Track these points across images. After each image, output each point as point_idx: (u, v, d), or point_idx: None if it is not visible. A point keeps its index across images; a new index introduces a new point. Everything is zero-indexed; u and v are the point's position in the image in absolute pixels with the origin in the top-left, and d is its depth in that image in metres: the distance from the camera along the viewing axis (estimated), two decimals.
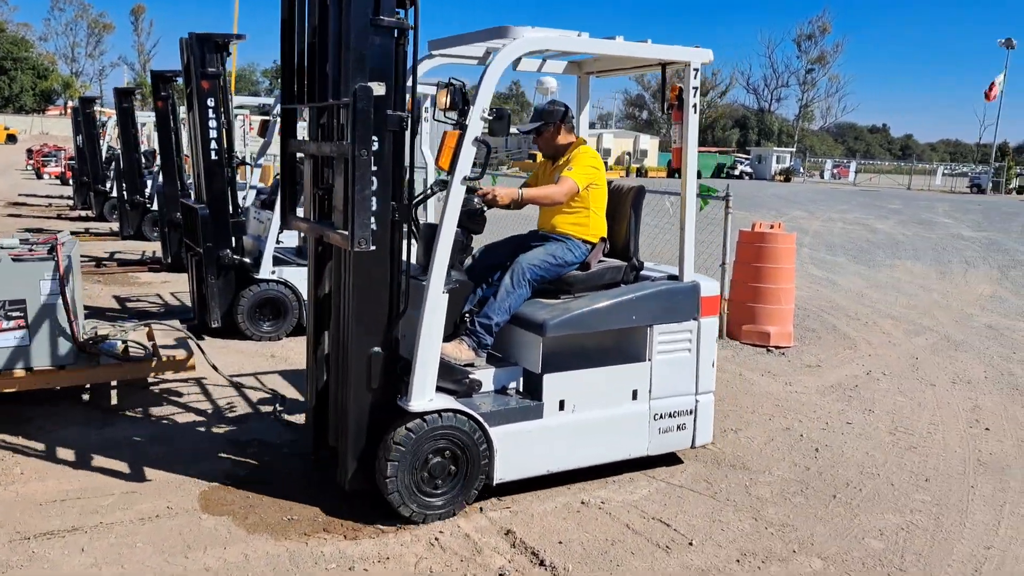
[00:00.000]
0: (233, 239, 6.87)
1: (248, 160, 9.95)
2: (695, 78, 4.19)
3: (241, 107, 16.28)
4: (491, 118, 3.68)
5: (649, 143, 59.96)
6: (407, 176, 3.70)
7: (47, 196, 19.98)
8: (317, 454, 4.30)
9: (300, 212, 4.18)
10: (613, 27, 41.24)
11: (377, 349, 3.74)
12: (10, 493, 3.96)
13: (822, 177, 59.63)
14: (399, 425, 3.70)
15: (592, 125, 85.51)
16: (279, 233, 6.98)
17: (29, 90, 73.96)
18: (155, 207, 12.56)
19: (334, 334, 3.93)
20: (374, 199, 3.55)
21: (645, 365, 4.31)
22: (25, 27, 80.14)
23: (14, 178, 26.26)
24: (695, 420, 4.46)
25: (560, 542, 3.71)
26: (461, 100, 3.69)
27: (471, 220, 4.09)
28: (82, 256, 10.81)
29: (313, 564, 3.43)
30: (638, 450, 4.34)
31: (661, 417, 4.36)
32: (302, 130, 4.41)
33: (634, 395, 4.29)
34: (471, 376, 4.00)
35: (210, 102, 6.58)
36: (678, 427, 4.43)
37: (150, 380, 5.66)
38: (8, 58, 72.01)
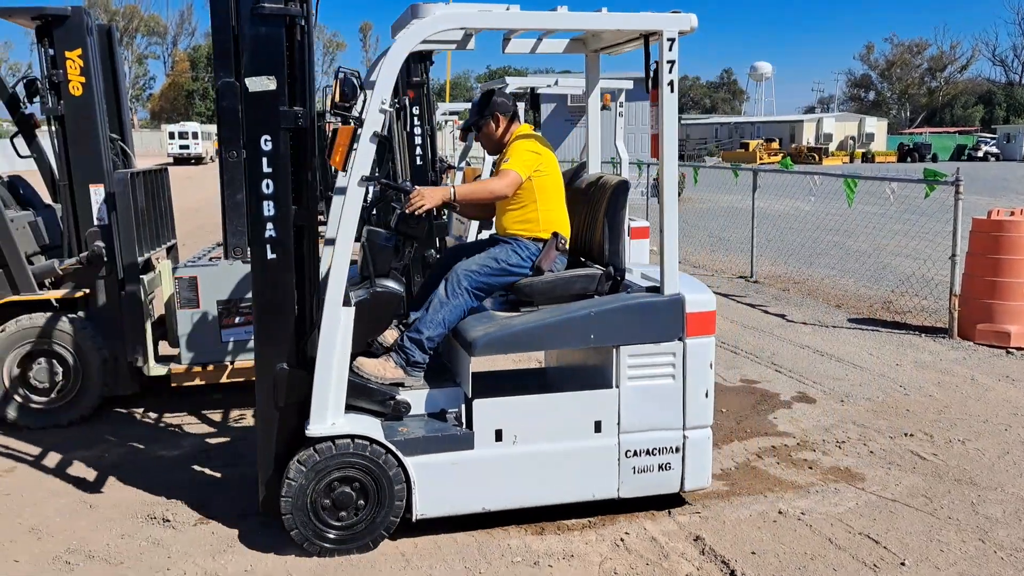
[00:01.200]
0: (437, 240, 7.19)
1: (453, 164, 10.38)
2: (670, 50, 3.54)
3: (453, 113, 17.00)
4: (390, 110, 3.30)
5: (876, 126, 55.80)
6: (312, 177, 3.43)
7: None
8: None
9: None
10: None
11: (283, 366, 3.45)
12: (237, 473, 4.38)
13: None
14: (301, 450, 3.43)
15: (812, 109, 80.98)
16: (478, 234, 7.21)
17: None
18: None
19: None
20: (270, 203, 3.31)
21: (611, 392, 3.69)
22: None
23: None
24: (684, 460, 3.78)
25: (753, 552, 3.52)
26: (352, 92, 3.36)
27: (406, 224, 3.74)
28: None
29: (500, 556, 3.50)
30: (606, 491, 3.74)
31: (635, 455, 3.72)
32: None
33: (597, 427, 3.69)
34: (396, 397, 3.62)
35: (415, 110, 6.93)
36: (660, 467, 3.76)
37: None
38: None
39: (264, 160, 3.32)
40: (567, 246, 3.99)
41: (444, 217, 6.12)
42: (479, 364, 3.78)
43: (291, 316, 3.48)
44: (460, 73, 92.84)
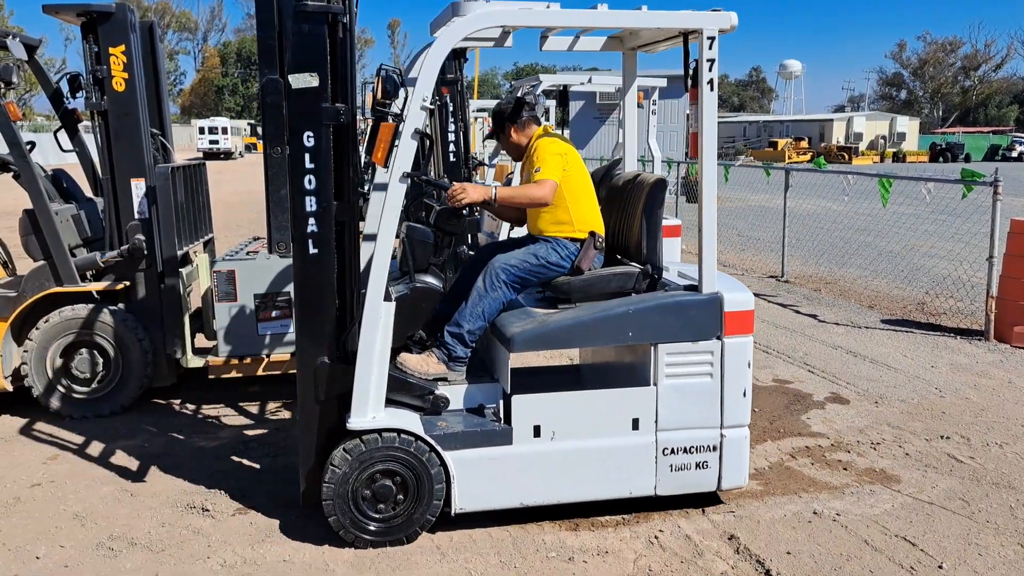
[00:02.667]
0: (470, 236, 7.22)
1: (485, 161, 10.41)
2: (710, 48, 3.54)
3: (481, 110, 17.04)
4: (432, 108, 3.28)
5: (908, 125, 55.05)
6: (353, 173, 3.45)
7: None
8: None
9: None
10: None
11: (324, 360, 3.50)
12: (277, 463, 4.44)
13: None
14: (340, 444, 3.48)
15: (842, 108, 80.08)
16: (511, 230, 7.23)
17: None
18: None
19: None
20: (312, 199, 3.34)
21: (649, 390, 3.71)
22: None
23: None
24: (720, 458, 3.79)
25: (788, 553, 3.52)
26: (394, 89, 3.38)
27: (447, 220, 3.77)
28: None
29: (534, 551, 3.53)
30: (643, 489, 3.76)
31: (672, 452, 3.74)
32: None
33: (635, 424, 3.71)
34: (435, 392, 3.65)
35: (449, 107, 6.97)
36: (697, 465, 3.78)
37: None
38: None
39: (307, 156, 3.36)
40: (604, 244, 4.01)
41: (477, 214, 6.16)
42: (515, 360, 3.80)
43: (332, 311, 3.51)
44: (488, 70, 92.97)
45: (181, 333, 5.31)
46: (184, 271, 5.43)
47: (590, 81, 9.02)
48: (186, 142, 50.66)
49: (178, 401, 5.49)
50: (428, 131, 3.44)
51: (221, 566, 3.42)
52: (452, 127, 6.91)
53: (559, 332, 3.67)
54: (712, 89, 3.61)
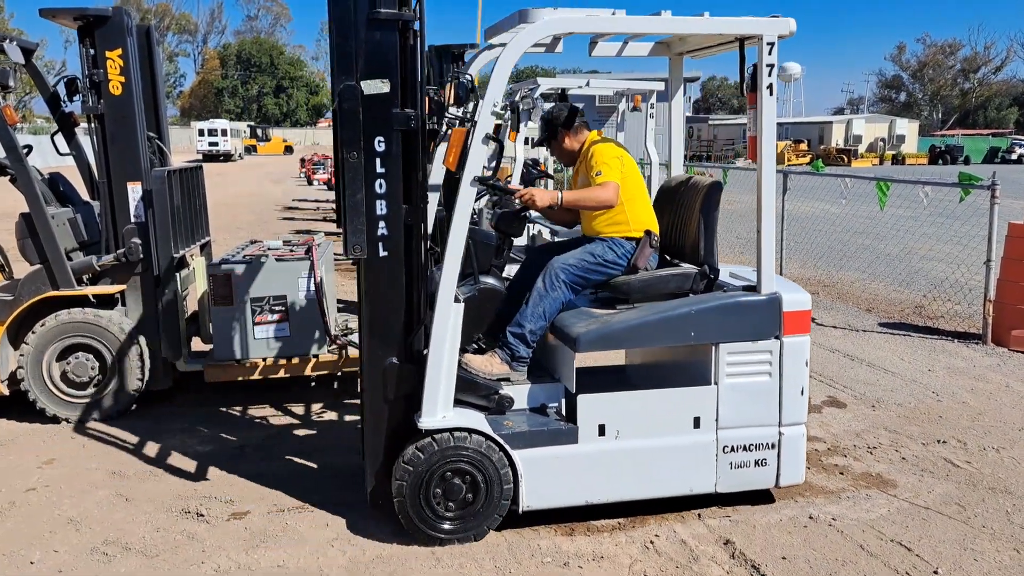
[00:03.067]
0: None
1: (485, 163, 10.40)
2: (770, 54, 3.61)
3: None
4: (503, 113, 3.41)
5: (907, 127, 55.04)
6: (421, 177, 3.52)
7: (315, 201, 22.14)
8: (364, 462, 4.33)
9: None
10: None
11: (393, 360, 3.58)
12: (271, 468, 4.44)
13: None
14: (411, 443, 3.54)
15: (841, 110, 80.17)
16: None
17: (303, 105, 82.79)
18: None
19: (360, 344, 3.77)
20: (383, 202, 3.41)
21: (710, 389, 3.78)
22: (300, 48, 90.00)
23: (289, 185, 29.44)
24: (779, 456, 3.86)
25: (784, 558, 3.51)
26: (466, 95, 3.46)
27: (508, 223, 3.82)
28: (340, 256, 11.91)
29: (530, 556, 3.52)
30: (703, 486, 3.83)
31: (733, 450, 3.82)
32: None
33: (696, 423, 3.79)
34: (500, 392, 3.72)
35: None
36: (756, 462, 3.85)
37: None
38: (286, 77, 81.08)
39: (377, 160, 3.43)
40: (659, 243, 4.10)
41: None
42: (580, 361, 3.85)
43: (400, 312, 3.59)
44: (487, 72, 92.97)
45: (177, 337, 5.31)
46: (181, 275, 5.43)
47: (588, 84, 9.01)
48: (185, 144, 50.70)
49: (174, 406, 5.48)
50: (498, 137, 3.49)
51: (215, 571, 3.42)
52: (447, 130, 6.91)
53: (623, 332, 3.75)
54: (771, 93, 3.69)
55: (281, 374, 5.28)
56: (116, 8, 5.06)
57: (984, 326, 6.98)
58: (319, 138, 72.07)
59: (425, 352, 3.56)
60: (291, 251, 5.45)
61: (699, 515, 3.87)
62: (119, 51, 5.03)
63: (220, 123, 49.75)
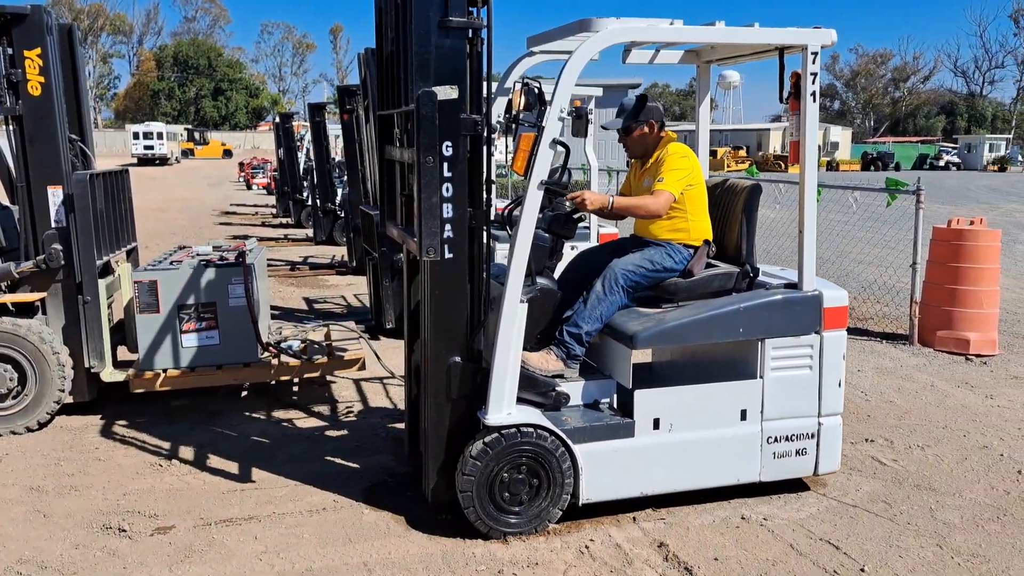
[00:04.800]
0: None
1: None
2: (813, 63, 3.81)
3: None
4: (571, 118, 3.50)
5: (840, 135, 56.75)
6: (487, 181, 3.60)
7: (254, 205, 21.74)
8: (413, 460, 4.35)
9: None
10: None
11: (456, 359, 3.66)
12: (198, 481, 4.32)
13: None
14: (477, 439, 3.63)
15: (778, 118, 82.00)
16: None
17: (242, 108, 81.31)
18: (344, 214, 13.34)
19: (421, 343, 3.86)
20: (449, 205, 3.48)
21: (756, 383, 3.96)
22: (239, 50, 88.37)
23: (227, 189, 28.90)
24: (818, 445, 4.06)
25: (716, 559, 3.54)
26: (536, 100, 3.53)
27: (561, 225, 3.93)
28: (279, 260, 11.71)
29: (464, 565, 3.48)
30: (749, 475, 4.01)
31: (776, 440, 4.01)
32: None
33: (743, 415, 3.96)
34: (557, 388, 3.85)
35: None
36: (797, 452, 4.04)
37: (328, 377, 6.00)
38: (225, 80, 79.60)
39: (444, 165, 3.47)
40: (715, 251, 4.22)
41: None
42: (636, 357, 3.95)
43: (464, 312, 3.66)
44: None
45: (101, 346, 5.13)
46: (105, 282, 5.25)
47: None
48: (120, 148, 49.36)
49: (97, 417, 5.27)
50: (564, 141, 3.67)
51: None
52: None
53: (677, 329, 3.88)
54: (814, 101, 3.85)
55: (211, 383, 5.14)
56: (35, 6, 4.87)
57: (911, 327, 7.18)
58: (259, 142, 70.91)
59: (480, 350, 3.67)
60: (221, 257, 5.32)
61: (634, 518, 3.88)
62: (38, 50, 4.84)
63: (156, 126, 48.64)
